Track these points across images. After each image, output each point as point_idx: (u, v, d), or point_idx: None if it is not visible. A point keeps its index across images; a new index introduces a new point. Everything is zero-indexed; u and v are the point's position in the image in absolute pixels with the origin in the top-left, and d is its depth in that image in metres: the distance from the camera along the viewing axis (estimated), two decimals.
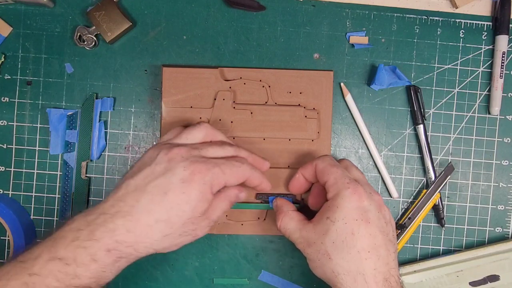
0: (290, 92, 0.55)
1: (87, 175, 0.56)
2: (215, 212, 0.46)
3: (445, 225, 0.57)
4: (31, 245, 0.42)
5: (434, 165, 0.57)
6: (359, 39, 0.56)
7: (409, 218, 0.56)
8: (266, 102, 0.55)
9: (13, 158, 0.56)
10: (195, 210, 0.43)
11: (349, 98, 0.55)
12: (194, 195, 0.43)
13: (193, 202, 0.43)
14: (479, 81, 0.58)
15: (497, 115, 0.57)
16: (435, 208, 0.57)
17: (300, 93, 0.55)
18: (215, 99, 0.54)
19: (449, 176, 0.56)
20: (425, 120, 0.56)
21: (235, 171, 0.46)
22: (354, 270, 0.43)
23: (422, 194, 0.55)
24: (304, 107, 0.55)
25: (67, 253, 0.40)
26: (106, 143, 0.56)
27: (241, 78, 0.55)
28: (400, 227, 0.56)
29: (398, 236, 0.56)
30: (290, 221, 0.48)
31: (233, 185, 0.47)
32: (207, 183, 0.43)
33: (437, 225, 0.57)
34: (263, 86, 0.55)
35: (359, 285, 0.43)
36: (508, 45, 0.57)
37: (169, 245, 0.44)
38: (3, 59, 0.55)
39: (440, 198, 0.56)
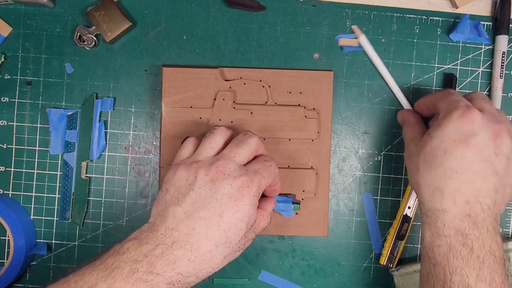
0: (290, 92, 0.55)
1: (87, 175, 0.56)
2: (257, 229, 0.48)
3: None
4: (79, 270, 0.40)
5: None
6: (348, 41, 0.56)
7: (409, 208, 0.56)
8: (266, 102, 0.55)
9: (13, 158, 0.56)
10: (249, 224, 0.44)
11: (362, 39, 0.55)
12: (247, 210, 0.43)
13: (246, 217, 0.43)
14: (479, 81, 0.58)
15: None
16: None
17: (300, 93, 0.55)
18: (215, 99, 0.54)
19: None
20: None
21: (270, 171, 0.46)
22: (434, 185, 0.44)
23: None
24: (304, 107, 0.55)
25: (126, 285, 0.38)
26: (106, 143, 0.56)
27: (241, 78, 0.55)
28: (406, 219, 0.56)
29: (404, 234, 0.56)
30: (410, 131, 0.51)
31: (270, 183, 0.47)
32: (255, 195, 0.44)
33: None
34: (263, 86, 0.55)
35: (436, 199, 0.44)
36: (508, 45, 0.57)
37: (226, 263, 0.44)
38: (3, 59, 0.55)
39: None
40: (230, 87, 0.55)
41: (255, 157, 0.48)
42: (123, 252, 0.40)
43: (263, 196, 0.51)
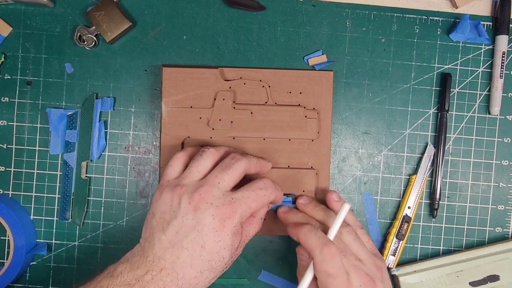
0: (290, 92, 0.55)
1: (87, 175, 0.56)
2: (247, 238, 0.48)
3: (445, 225, 0.57)
4: None
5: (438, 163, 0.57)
6: (317, 59, 0.56)
7: (409, 207, 0.56)
8: (266, 102, 0.55)
9: (13, 158, 0.56)
10: (233, 249, 0.45)
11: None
12: (229, 239, 0.43)
13: (229, 245, 0.44)
14: (479, 81, 0.58)
15: (497, 115, 0.57)
16: (430, 198, 0.57)
17: (300, 93, 0.55)
18: (215, 99, 0.54)
19: (431, 157, 0.57)
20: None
21: (260, 201, 0.46)
22: None
23: (412, 179, 0.57)
24: (304, 107, 0.55)
25: None
26: (106, 143, 0.56)
27: (241, 78, 0.55)
28: (406, 219, 0.56)
29: (404, 234, 0.56)
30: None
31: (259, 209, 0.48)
32: (237, 224, 0.44)
33: (437, 225, 0.57)
34: (263, 86, 0.55)
35: None
36: (508, 45, 0.57)
37: (214, 280, 0.46)
38: (3, 59, 0.55)
39: (440, 190, 0.56)
40: (230, 87, 0.55)
41: (252, 180, 0.48)
42: (116, 275, 0.42)
43: None
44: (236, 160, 0.47)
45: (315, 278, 0.46)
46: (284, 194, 0.54)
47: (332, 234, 0.46)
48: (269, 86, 0.55)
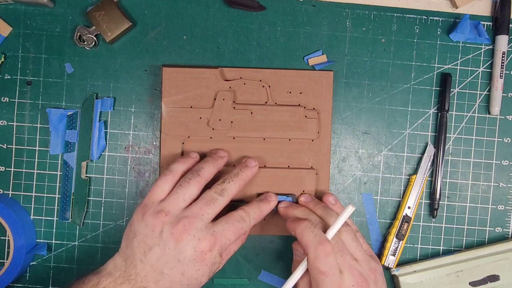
0: (290, 92, 0.55)
1: (87, 175, 0.56)
2: (229, 255, 0.50)
3: (445, 225, 0.57)
4: None
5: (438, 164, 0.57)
6: (317, 59, 0.56)
7: (409, 207, 0.56)
8: (266, 102, 0.55)
9: (13, 158, 0.56)
10: (210, 274, 0.47)
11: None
12: (207, 268, 0.46)
13: (207, 273, 0.46)
14: (479, 81, 0.58)
15: (497, 115, 0.57)
16: (430, 198, 0.57)
17: (300, 93, 0.55)
18: (215, 99, 0.54)
19: (431, 157, 0.57)
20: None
21: (238, 233, 0.47)
22: None
23: (412, 179, 0.57)
24: (304, 107, 0.55)
25: None
26: (106, 143, 0.56)
27: (241, 78, 0.55)
28: (406, 219, 0.56)
29: (404, 234, 0.56)
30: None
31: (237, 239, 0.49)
32: (217, 255, 0.46)
33: (437, 225, 0.57)
34: (263, 86, 0.55)
35: None
36: (508, 45, 0.57)
37: None
38: (3, 59, 0.55)
39: (440, 190, 0.56)
40: (230, 87, 0.55)
41: (230, 212, 0.49)
42: None
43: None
44: (219, 194, 0.48)
45: (309, 275, 0.47)
46: (284, 194, 0.54)
47: (332, 233, 0.47)
48: (269, 86, 0.55)
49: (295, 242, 0.50)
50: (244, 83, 0.55)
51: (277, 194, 0.54)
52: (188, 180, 0.48)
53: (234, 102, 0.55)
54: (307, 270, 0.47)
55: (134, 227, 0.46)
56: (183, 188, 0.47)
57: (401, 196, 0.57)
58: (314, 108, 0.55)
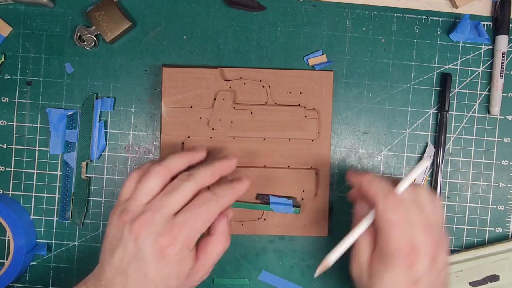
0: (290, 92, 0.55)
1: (87, 175, 0.56)
2: (211, 259, 0.45)
3: (445, 225, 0.57)
4: None
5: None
6: (317, 59, 0.56)
7: None
8: (266, 102, 0.55)
9: (13, 158, 0.56)
10: (180, 277, 0.43)
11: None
12: (173, 267, 0.42)
13: (174, 273, 0.42)
14: (479, 81, 0.58)
15: (497, 115, 0.57)
16: None
17: (300, 93, 0.55)
18: (215, 99, 0.54)
19: (431, 157, 0.56)
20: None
21: (204, 218, 0.43)
22: None
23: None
24: (304, 107, 0.55)
25: None
26: (106, 143, 0.56)
27: (241, 78, 0.55)
28: None
29: None
30: (357, 263, 0.46)
31: (207, 226, 0.44)
32: (181, 250, 0.42)
33: None
34: (263, 86, 0.55)
35: None
36: (508, 45, 0.57)
37: None
38: (3, 59, 0.55)
39: (440, 190, 0.56)
40: (230, 87, 0.55)
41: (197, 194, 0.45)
42: None
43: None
44: (183, 180, 0.43)
45: (371, 234, 0.44)
46: (285, 197, 0.54)
47: (403, 185, 0.44)
48: (269, 86, 0.55)
49: (354, 195, 0.47)
50: (244, 83, 0.55)
51: (278, 195, 0.54)
52: (148, 173, 0.44)
53: (234, 102, 0.55)
54: (368, 228, 0.44)
55: (106, 231, 0.44)
56: (143, 183, 0.43)
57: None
58: (314, 108, 0.55)
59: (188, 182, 0.43)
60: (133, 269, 0.41)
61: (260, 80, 0.55)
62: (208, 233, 0.46)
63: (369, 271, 0.44)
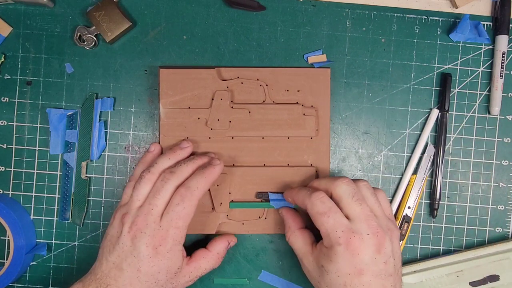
0: (287, 90, 0.55)
1: (87, 175, 0.56)
2: (199, 271, 0.51)
3: (445, 225, 0.57)
4: None
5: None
6: (317, 58, 0.56)
7: (409, 207, 0.56)
8: (264, 101, 0.55)
9: (13, 158, 0.56)
10: (169, 273, 0.48)
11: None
12: (163, 264, 0.47)
13: (164, 269, 0.47)
14: (479, 81, 0.57)
15: (497, 115, 0.57)
16: (430, 198, 0.57)
17: (298, 91, 0.55)
18: (212, 99, 0.54)
19: (431, 157, 0.57)
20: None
21: (184, 215, 0.48)
22: None
23: (412, 179, 0.57)
24: (302, 105, 0.55)
25: None
26: (106, 143, 0.56)
27: (238, 77, 0.55)
28: (406, 219, 0.56)
29: (404, 234, 0.56)
30: (296, 242, 0.51)
31: (190, 218, 0.49)
32: (172, 249, 0.47)
33: (437, 225, 0.57)
34: (260, 85, 0.55)
35: None
36: (508, 45, 0.56)
37: None
38: (3, 59, 0.55)
39: (440, 190, 0.56)
40: (227, 87, 0.55)
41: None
42: None
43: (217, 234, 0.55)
44: (165, 181, 0.48)
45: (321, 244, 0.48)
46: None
47: (317, 181, 0.50)
48: (267, 85, 0.55)
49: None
50: (242, 83, 0.55)
51: (278, 192, 0.54)
52: (139, 181, 0.49)
53: (232, 101, 0.55)
54: (316, 242, 0.49)
55: (107, 231, 0.50)
56: (136, 189, 0.49)
57: (401, 196, 0.57)
58: (312, 106, 0.55)
59: (170, 180, 0.48)
60: (128, 264, 0.47)
61: (258, 79, 0.55)
62: (207, 247, 0.52)
63: (318, 266, 0.48)
